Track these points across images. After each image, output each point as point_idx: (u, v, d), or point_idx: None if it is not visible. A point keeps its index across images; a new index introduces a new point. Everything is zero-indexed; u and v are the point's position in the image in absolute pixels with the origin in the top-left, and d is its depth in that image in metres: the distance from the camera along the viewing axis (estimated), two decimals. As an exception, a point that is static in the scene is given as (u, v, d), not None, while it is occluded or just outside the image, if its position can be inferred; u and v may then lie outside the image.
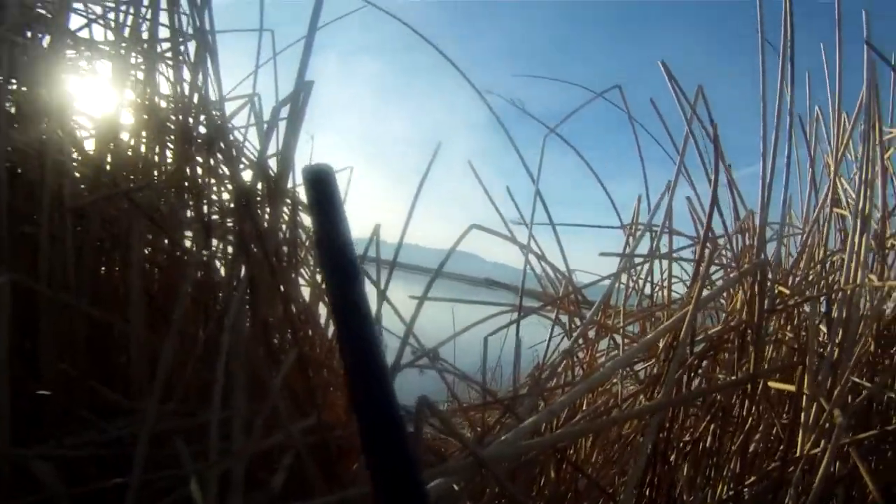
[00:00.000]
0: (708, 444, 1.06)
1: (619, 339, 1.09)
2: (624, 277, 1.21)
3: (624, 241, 1.25)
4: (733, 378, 0.95)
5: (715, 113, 1.26)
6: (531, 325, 1.22)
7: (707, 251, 0.97)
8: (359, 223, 1.34)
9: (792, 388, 0.92)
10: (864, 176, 1.11)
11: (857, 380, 1.10)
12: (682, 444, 1.10)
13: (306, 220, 1.12)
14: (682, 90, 1.02)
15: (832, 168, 1.12)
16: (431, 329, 1.09)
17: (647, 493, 1.07)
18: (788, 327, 1.19)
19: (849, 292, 1.06)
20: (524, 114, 1.77)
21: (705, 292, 1.18)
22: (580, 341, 1.09)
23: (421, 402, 0.74)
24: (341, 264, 0.50)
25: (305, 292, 1.26)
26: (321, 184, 0.50)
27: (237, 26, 1.35)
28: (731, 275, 1.03)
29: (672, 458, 1.06)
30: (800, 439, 0.96)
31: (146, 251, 1.15)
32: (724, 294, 1.12)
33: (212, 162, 1.11)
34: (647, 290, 1.30)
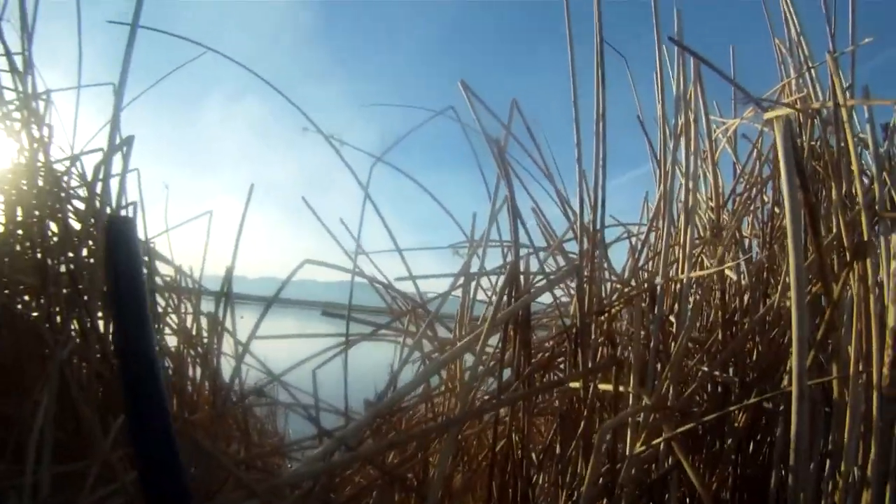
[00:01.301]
0: (558, 452, 1.07)
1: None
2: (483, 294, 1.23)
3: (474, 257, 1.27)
4: (546, 382, 0.96)
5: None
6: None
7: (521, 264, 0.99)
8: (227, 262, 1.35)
9: (610, 387, 0.93)
10: (687, 170, 1.14)
11: (705, 368, 1.12)
12: (536, 453, 1.11)
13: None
14: (486, 107, 1.05)
15: (662, 165, 1.15)
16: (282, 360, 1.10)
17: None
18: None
19: (679, 285, 1.08)
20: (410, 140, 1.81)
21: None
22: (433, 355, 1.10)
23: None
24: (130, 311, 0.51)
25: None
26: (118, 235, 0.50)
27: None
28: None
29: (524, 467, 1.07)
30: (628, 438, 0.97)
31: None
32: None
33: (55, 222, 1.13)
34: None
